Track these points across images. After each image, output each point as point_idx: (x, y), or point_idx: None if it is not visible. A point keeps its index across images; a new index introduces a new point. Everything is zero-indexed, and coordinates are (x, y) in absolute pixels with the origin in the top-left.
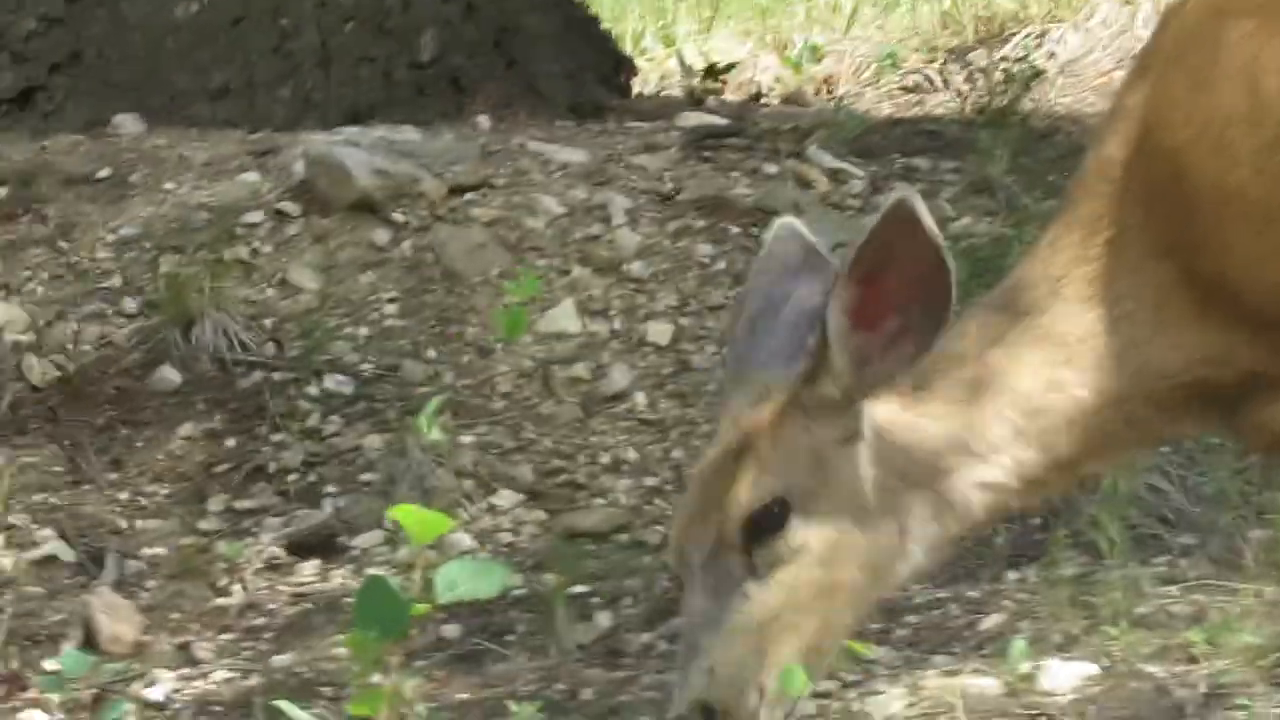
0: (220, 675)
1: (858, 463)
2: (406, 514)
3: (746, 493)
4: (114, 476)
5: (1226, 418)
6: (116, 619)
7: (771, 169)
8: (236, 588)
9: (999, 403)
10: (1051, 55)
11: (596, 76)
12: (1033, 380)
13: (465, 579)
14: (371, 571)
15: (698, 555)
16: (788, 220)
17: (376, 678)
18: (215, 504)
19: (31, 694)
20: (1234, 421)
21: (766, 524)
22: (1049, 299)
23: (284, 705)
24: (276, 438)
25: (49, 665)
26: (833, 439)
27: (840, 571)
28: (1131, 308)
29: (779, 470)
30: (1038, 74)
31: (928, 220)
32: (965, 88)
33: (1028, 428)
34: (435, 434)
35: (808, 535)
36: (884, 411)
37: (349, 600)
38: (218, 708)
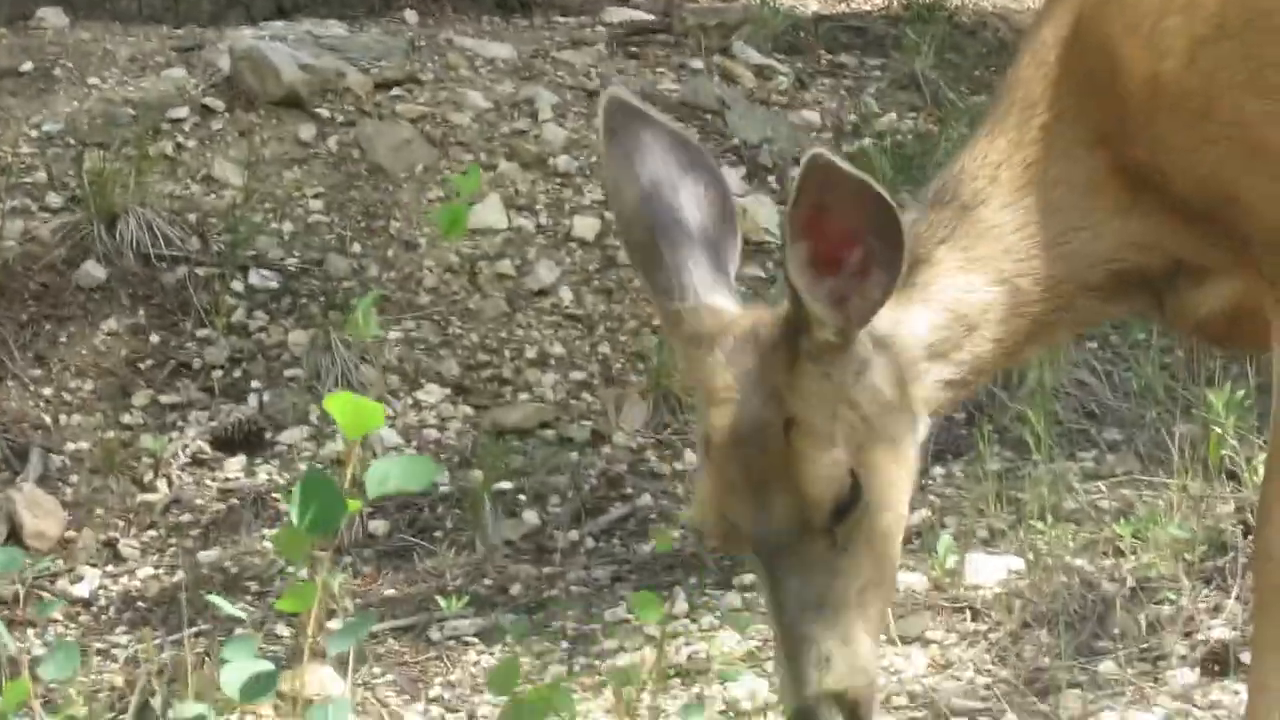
0: (146, 571)
1: (876, 391)
2: (339, 405)
3: (823, 476)
4: (38, 372)
5: (1153, 302)
6: (40, 515)
7: (697, 65)
8: (161, 483)
9: (954, 302)
10: None
11: None
12: (981, 276)
13: (396, 474)
14: (299, 467)
15: (765, 531)
16: (614, 94)
17: (305, 573)
18: (140, 399)
19: None
20: (1161, 305)
21: (848, 497)
22: (988, 188)
23: (213, 599)
24: (201, 333)
25: None
26: (851, 376)
27: (895, 509)
28: (1065, 194)
29: (834, 436)
30: None
31: (844, 165)
32: None
33: (980, 323)
34: (372, 330)
35: (869, 489)
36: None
37: (274, 496)
38: (143, 603)
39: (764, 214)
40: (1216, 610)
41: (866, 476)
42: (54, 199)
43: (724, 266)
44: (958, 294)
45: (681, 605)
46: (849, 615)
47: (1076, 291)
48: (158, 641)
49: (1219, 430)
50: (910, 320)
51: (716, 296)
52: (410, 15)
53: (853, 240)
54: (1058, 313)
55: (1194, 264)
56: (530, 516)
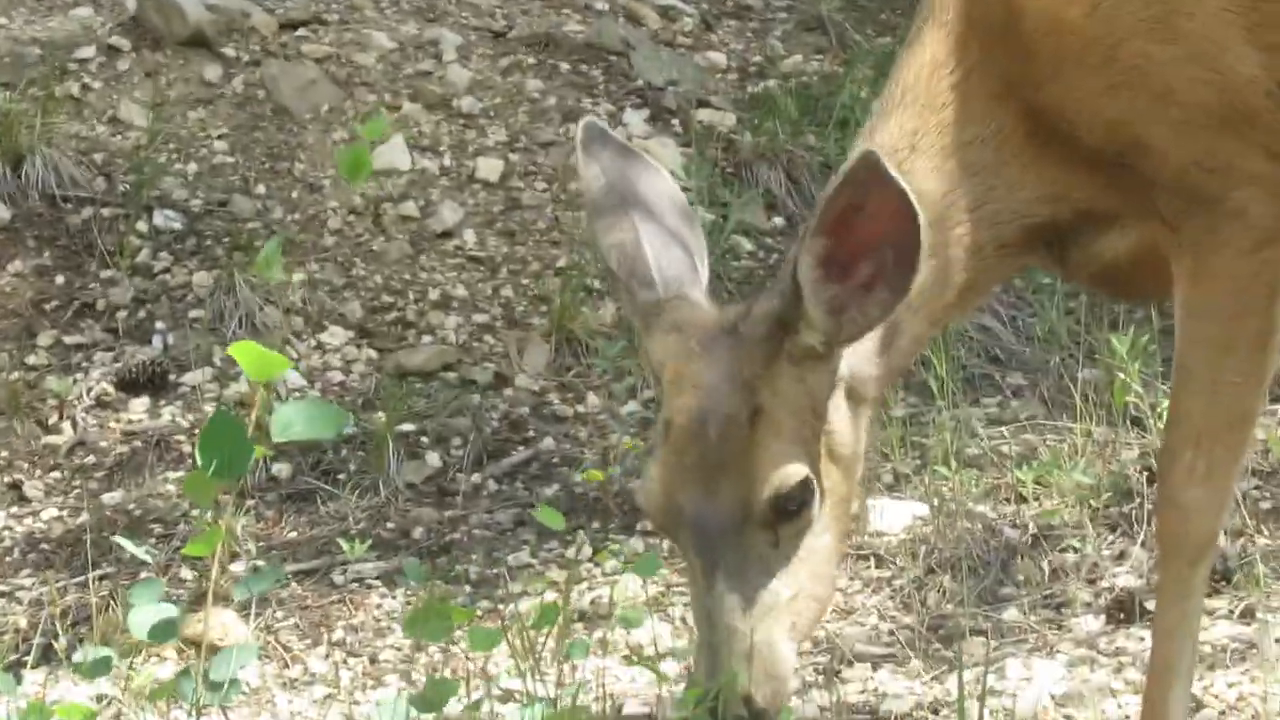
0: (50, 513)
1: (841, 408)
2: (244, 352)
3: (776, 470)
4: None
5: (1055, 255)
6: None
7: (602, 6)
8: (66, 425)
9: None
10: None
11: None
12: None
13: (301, 419)
14: (203, 409)
15: (708, 519)
16: (591, 121)
17: (209, 517)
18: (44, 340)
19: None
20: (1064, 256)
21: (795, 501)
22: (910, 159)
23: (119, 540)
24: (106, 274)
25: None
26: (824, 387)
27: (841, 525)
28: (981, 153)
29: (797, 438)
30: None
31: (894, 173)
32: None
33: (918, 303)
34: (277, 273)
35: (822, 501)
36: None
37: (178, 438)
38: (47, 545)
39: (667, 156)
40: (1121, 557)
41: (821, 488)
42: None
43: (698, 277)
44: None
45: (584, 550)
46: (777, 619)
47: (995, 251)
48: (62, 584)
49: (1123, 375)
50: None
51: (694, 291)
52: None
53: (870, 251)
54: (982, 274)
55: (1100, 212)
56: (433, 459)
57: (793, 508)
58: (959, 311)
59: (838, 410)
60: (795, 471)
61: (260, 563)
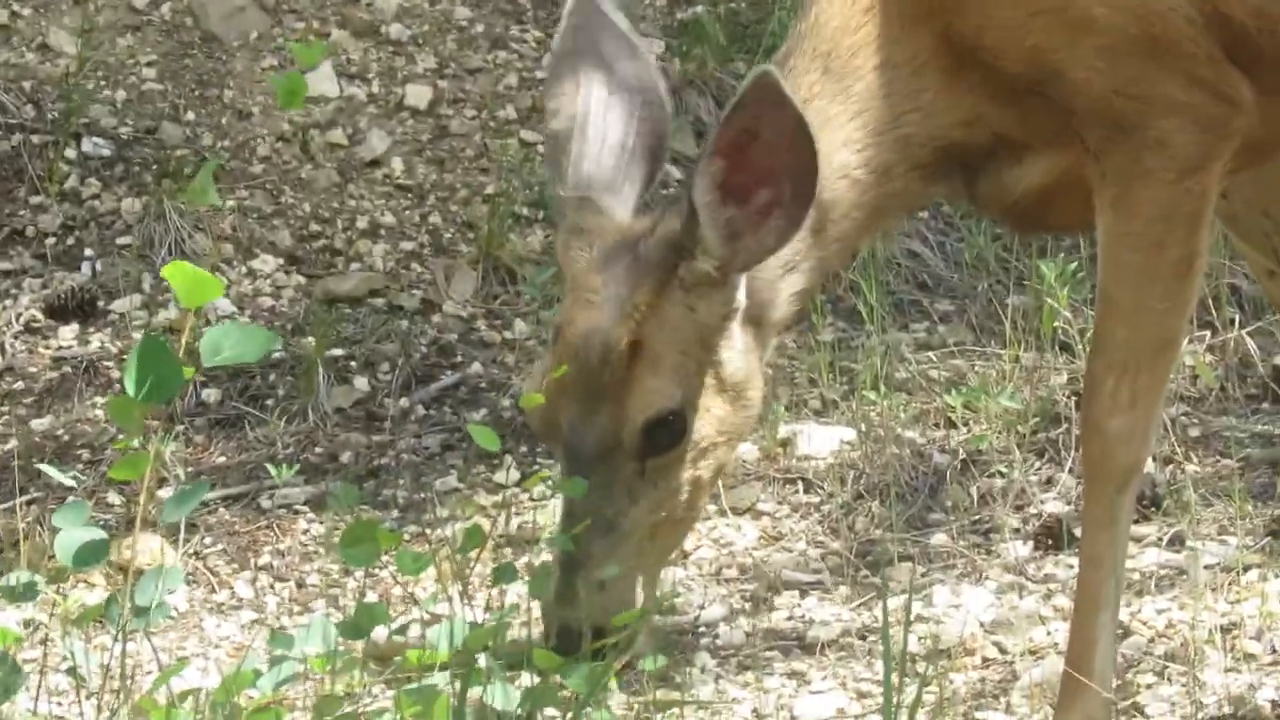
0: None
1: (736, 337)
2: (177, 274)
3: (648, 401)
4: None
5: (966, 184)
6: None
7: None
8: None
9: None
10: None
11: None
12: (827, 172)
13: (230, 343)
14: (132, 335)
15: (582, 439)
16: None
17: (137, 442)
18: None
19: None
20: (975, 185)
21: (665, 433)
22: (820, 81)
23: (45, 468)
24: (35, 200)
25: None
26: (716, 317)
27: (718, 456)
28: (895, 76)
29: (675, 374)
30: None
31: (791, 97)
32: None
33: (826, 223)
34: (212, 198)
35: (695, 433)
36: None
37: (108, 364)
38: None
39: None
40: (1049, 483)
41: (697, 422)
42: None
43: (634, 179)
44: None
45: (513, 474)
46: (632, 547)
47: (906, 174)
48: None
49: (1051, 301)
50: None
51: (610, 198)
52: None
53: (768, 178)
54: (890, 198)
55: (1016, 140)
56: (361, 384)
57: (660, 443)
58: (866, 236)
59: (732, 339)
60: (665, 407)
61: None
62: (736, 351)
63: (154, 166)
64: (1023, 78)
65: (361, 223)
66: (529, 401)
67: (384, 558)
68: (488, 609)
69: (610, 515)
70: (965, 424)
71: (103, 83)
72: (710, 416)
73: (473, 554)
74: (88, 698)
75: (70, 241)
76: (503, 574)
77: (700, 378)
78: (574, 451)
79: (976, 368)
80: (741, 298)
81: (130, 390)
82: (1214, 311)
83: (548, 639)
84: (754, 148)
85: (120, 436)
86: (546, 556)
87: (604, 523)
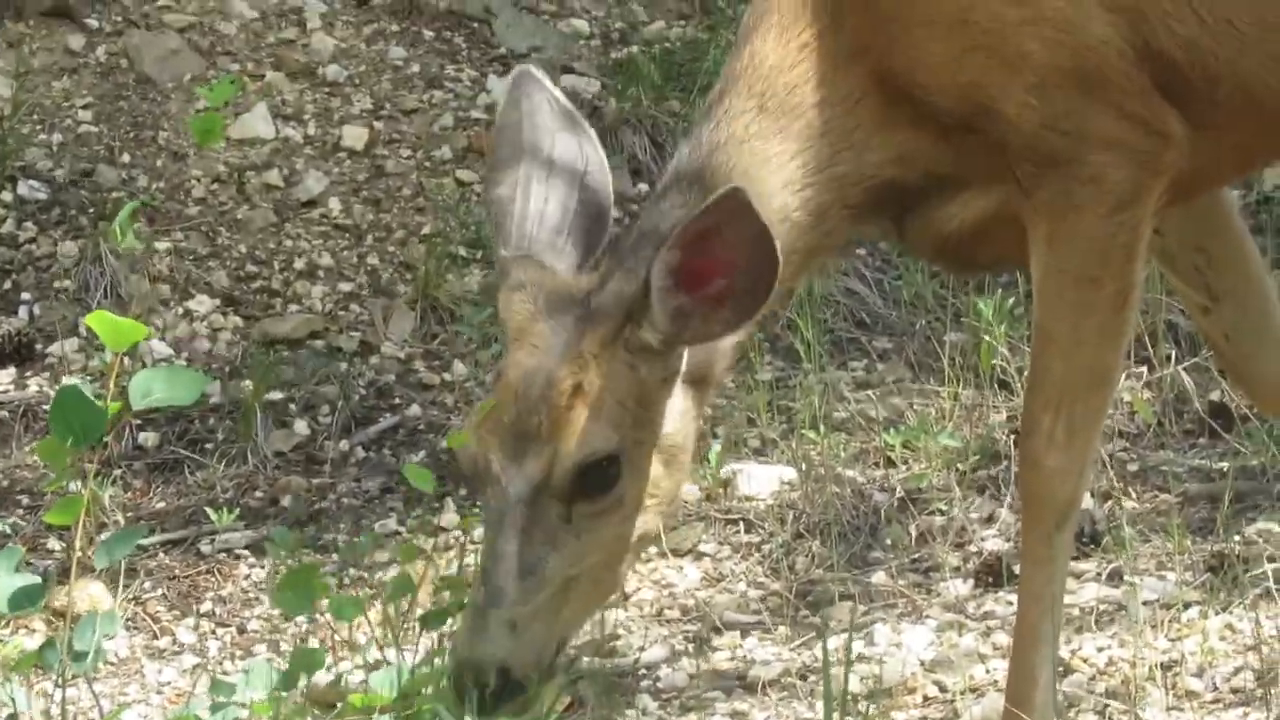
0: None
1: (675, 400)
2: (101, 321)
3: (583, 442)
4: None
5: (901, 221)
6: None
7: None
8: None
9: None
10: None
11: None
12: (767, 216)
13: (161, 386)
14: (68, 379)
15: (510, 479)
16: (526, 68)
17: (74, 486)
18: None
19: None
20: (907, 223)
21: (596, 479)
22: (757, 120)
23: None
24: None
25: None
26: (657, 379)
27: (647, 518)
28: (829, 116)
29: (613, 420)
30: None
31: (757, 215)
32: None
33: None
34: (130, 240)
35: (627, 488)
36: None
37: (46, 407)
38: None
39: None
40: (989, 521)
41: (629, 475)
42: None
43: (576, 243)
44: None
45: (451, 517)
46: (548, 596)
47: (840, 213)
48: None
49: (989, 339)
50: None
51: (552, 256)
52: None
53: (724, 271)
54: (826, 238)
55: (949, 177)
56: (300, 427)
57: (590, 488)
58: (802, 277)
59: (671, 402)
60: (601, 450)
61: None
62: (674, 415)
63: (90, 209)
64: (955, 114)
65: (299, 264)
66: (456, 440)
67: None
68: (431, 651)
69: (530, 559)
70: (905, 462)
71: (38, 126)
72: (642, 476)
73: (408, 599)
74: None
75: (7, 285)
76: (433, 619)
77: (635, 433)
78: (502, 491)
79: (915, 406)
80: (681, 364)
81: (55, 435)
82: (1150, 347)
83: (449, 676)
84: (716, 240)
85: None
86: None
87: (523, 567)
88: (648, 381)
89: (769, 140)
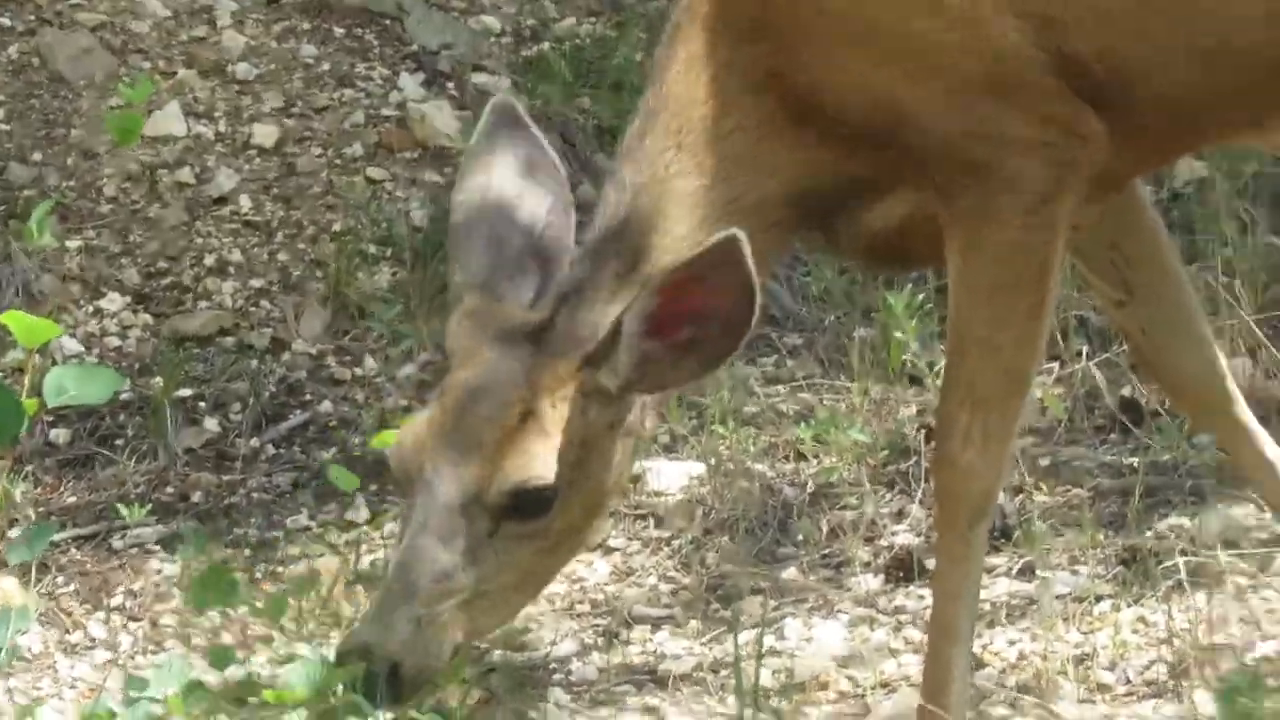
0: None
1: (618, 449)
2: (15, 320)
3: (526, 466)
4: None
5: (825, 227)
6: None
7: None
8: None
9: None
10: None
11: None
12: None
13: (74, 384)
14: None
15: (439, 487)
16: (505, 99)
17: None
18: None
19: None
20: (832, 229)
21: (531, 505)
22: (676, 157)
23: None
24: None
25: None
26: (604, 424)
27: (566, 550)
28: (743, 143)
29: (560, 452)
30: None
31: (749, 266)
32: None
33: None
34: (46, 239)
35: (556, 520)
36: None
37: None
38: None
39: (441, 120)
40: (900, 515)
41: (561, 510)
42: None
43: (531, 278)
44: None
45: (363, 513)
46: (454, 604)
47: (765, 235)
48: None
49: (899, 334)
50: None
51: (506, 288)
52: None
53: (698, 318)
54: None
55: (867, 185)
56: (211, 424)
57: (523, 511)
58: None
59: (614, 450)
60: (540, 476)
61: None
62: (616, 463)
63: (1, 207)
64: (870, 127)
65: (209, 260)
66: (383, 440)
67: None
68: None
69: (447, 565)
70: (815, 457)
71: None
72: (571, 512)
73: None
74: None
75: None
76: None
77: (573, 474)
78: (430, 495)
79: (825, 401)
80: (631, 416)
81: None
82: (1062, 343)
83: (338, 654)
84: (698, 287)
85: None
86: None
87: (439, 570)
88: (595, 425)
89: (688, 177)
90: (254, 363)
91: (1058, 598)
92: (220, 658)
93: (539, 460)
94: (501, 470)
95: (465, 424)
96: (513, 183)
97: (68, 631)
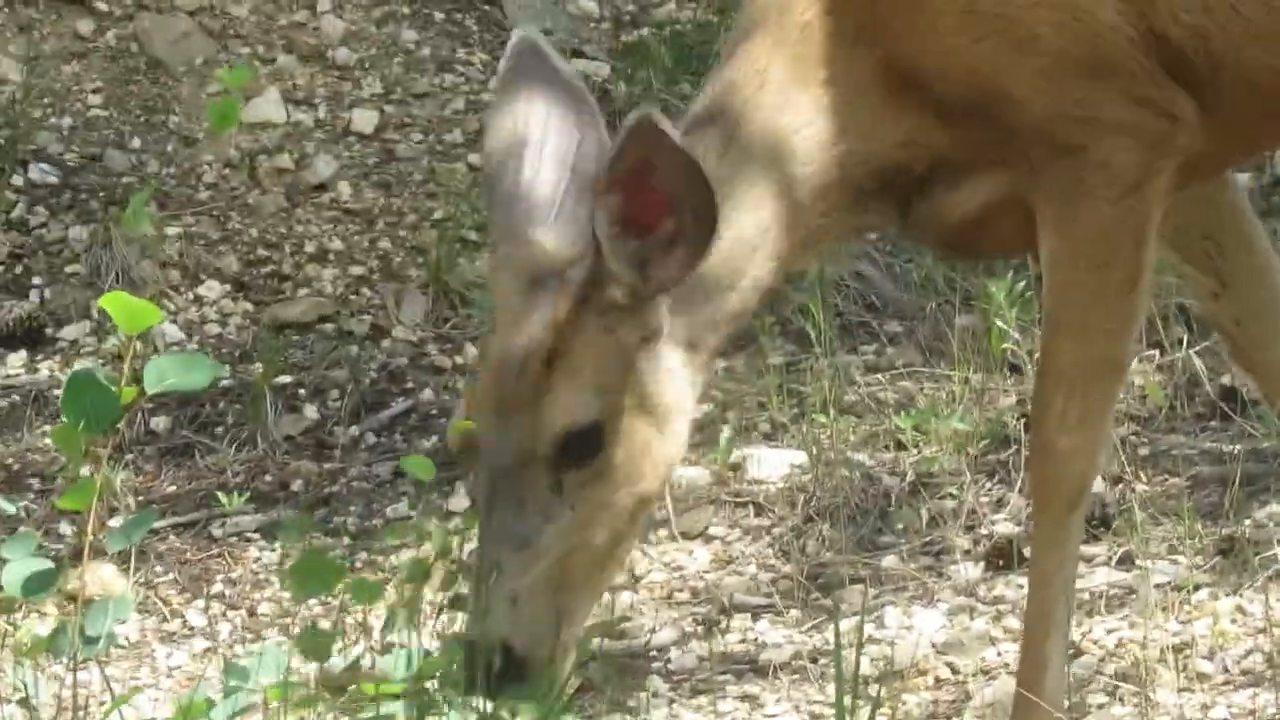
0: None
1: (660, 360)
2: (115, 303)
3: (564, 410)
4: None
5: (903, 207)
6: None
7: None
8: None
9: (737, 226)
10: None
11: None
12: (759, 191)
13: (175, 371)
14: (79, 363)
15: (499, 453)
16: (526, 36)
17: (85, 471)
18: None
19: None
20: (910, 210)
21: (581, 446)
22: (757, 96)
23: None
24: None
25: None
26: (635, 340)
27: (644, 483)
28: (833, 96)
29: (594, 387)
30: None
31: (671, 131)
32: None
33: (762, 246)
34: (144, 226)
35: (616, 454)
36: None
37: (57, 392)
38: None
39: None
40: (999, 504)
41: (617, 441)
42: None
43: (566, 215)
44: (739, 215)
45: (461, 501)
46: (546, 570)
47: (842, 195)
48: None
49: (1000, 322)
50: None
51: (541, 230)
52: None
53: (668, 209)
54: (827, 220)
55: (955, 162)
56: (310, 412)
57: (576, 455)
58: (804, 258)
59: (655, 361)
60: (582, 417)
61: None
62: (662, 374)
63: (100, 194)
64: (965, 101)
65: (309, 248)
66: (456, 429)
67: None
68: (438, 637)
69: (524, 531)
70: (915, 446)
71: (49, 110)
72: (632, 440)
73: (421, 584)
74: None
75: (18, 270)
76: (453, 603)
77: (620, 398)
78: (490, 465)
79: (925, 389)
80: (662, 321)
81: (68, 420)
82: (1162, 331)
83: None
84: (648, 181)
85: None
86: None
87: (517, 539)
88: (626, 343)
89: (769, 114)
90: (354, 350)
91: (1156, 587)
92: (316, 648)
93: (570, 403)
94: (542, 421)
95: (503, 386)
96: (540, 122)
97: (166, 620)
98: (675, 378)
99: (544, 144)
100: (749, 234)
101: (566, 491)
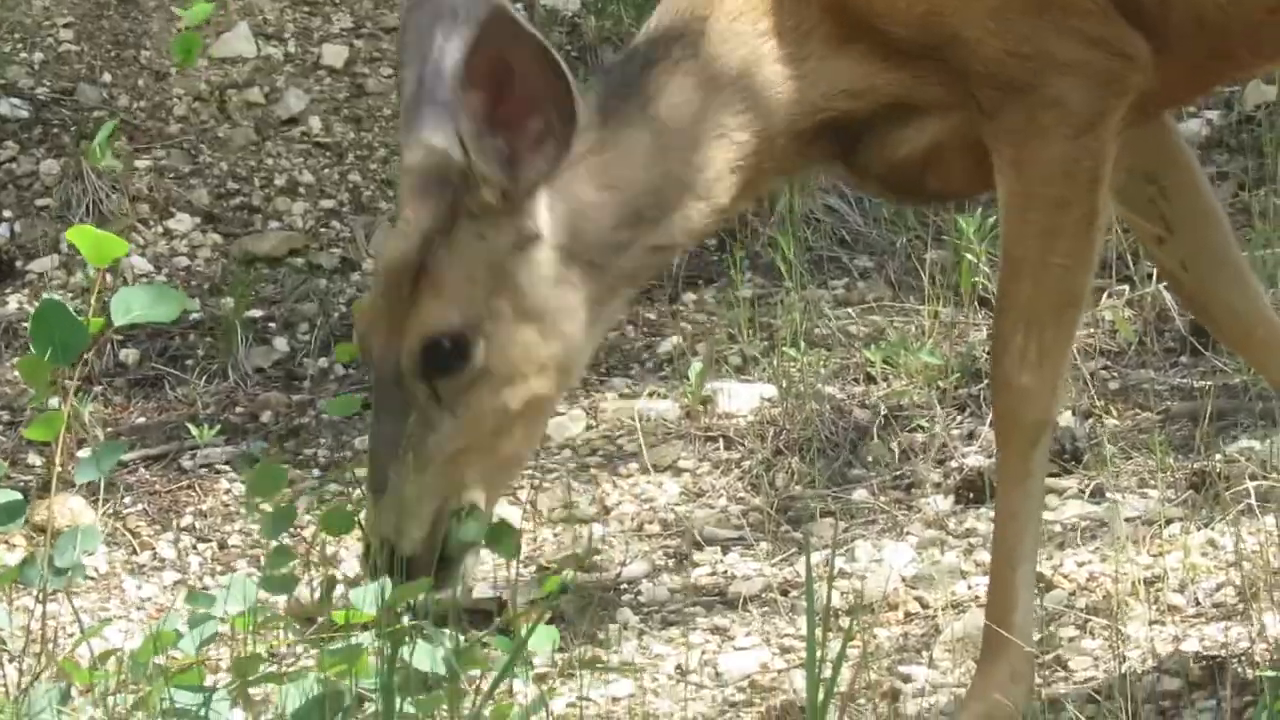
0: None
1: (537, 265)
2: (83, 236)
3: (422, 322)
4: None
5: (840, 150)
6: None
7: None
8: None
9: (669, 163)
10: None
11: None
12: (696, 132)
13: (142, 303)
14: (48, 296)
15: (382, 364)
16: None
17: (54, 402)
18: None
19: None
20: (854, 152)
21: (446, 355)
22: (699, 41)
23: None
24: None
25: None
26: (508, 244)
27: (527, 387)
28: (779, 43)
29: (457, 295)
30: None
31: (526, 25)
32: None
33: (694, 186)
34: (109, 159)
35: (491, 359)
36: (565, 199)
37: (26, 324)
38: None
39: None
40: (970, 437)
41: (491, 348)
42: None
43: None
44: (670, 154)
45: None
46: (431, 474)
47: (787, 141)
48: None
49: (970, 256)
50: (614, 188)
51: (434, 136)
52: None
53: (536, 107)
54: (769, 163)
55: (903, 105)
56: (280, 344)
57: (442, 364)
58: (745, 201)
59: (535, 268)
60: (439, 328)
61: None
62: (540, 280)
63: (72, 128)
64: (916, 43)
65: (279, 181)
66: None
67: (306, 518)
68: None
69: (408, 440)
70: (885, 379)
71: (19, 44)
72: (509, 345)
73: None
74: (10, 660)
75: None
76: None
77: (490, 304)
78: (378, 376)
79: (896, 323)
80: (540, 227)
81: (35, 352)
82: (1132, 266)
83: (368, 565)
84: (513, 79)
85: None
86: None
87: (400, 448)
88: (497, 248)
89: (711, 62)
90: (324, 283)
91: (1127, 520)
92: (280, 582)
93: (429, 314)
94: (405, 338)
95: (385, 297)
96: (447, 28)
97: (135, 552)
98: (559, 283)
99: (447, 51)
100: (679, 171)
101: (445, 399)
